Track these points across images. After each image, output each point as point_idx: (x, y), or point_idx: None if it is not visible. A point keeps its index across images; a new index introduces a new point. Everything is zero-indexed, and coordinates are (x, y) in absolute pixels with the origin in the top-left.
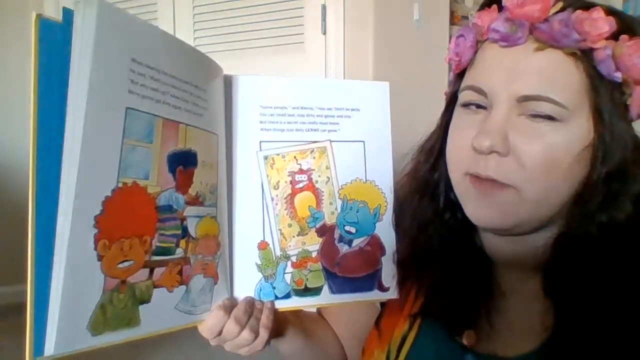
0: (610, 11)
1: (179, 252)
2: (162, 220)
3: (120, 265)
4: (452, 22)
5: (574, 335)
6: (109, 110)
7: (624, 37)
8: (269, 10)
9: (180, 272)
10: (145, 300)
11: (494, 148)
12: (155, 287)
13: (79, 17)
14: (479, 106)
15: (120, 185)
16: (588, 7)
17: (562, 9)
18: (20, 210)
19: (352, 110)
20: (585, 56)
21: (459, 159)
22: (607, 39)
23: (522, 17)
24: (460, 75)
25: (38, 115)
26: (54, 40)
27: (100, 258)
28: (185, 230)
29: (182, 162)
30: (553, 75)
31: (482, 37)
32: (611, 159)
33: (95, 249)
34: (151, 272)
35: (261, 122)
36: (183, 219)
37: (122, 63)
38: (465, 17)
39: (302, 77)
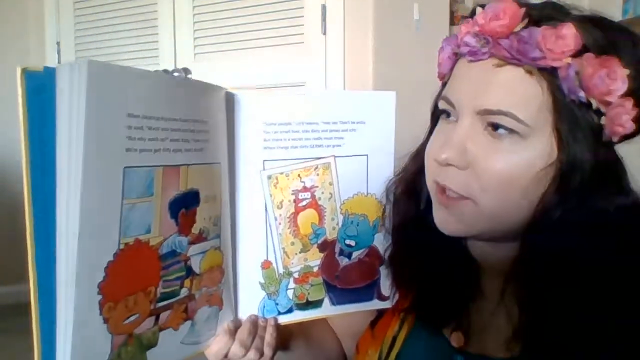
0: (583, 27)
1: (184, 292)
2: (166, 267)
3: (126, 321)
4: (452, 22)
5: (544, 344)
6: (106, 175)
7: (589, 55)
8: (269, 10)
9: (185, 310)
10: (152, 345)
11: (449, 161)
12: (161, 330)
13: (65, 80)
14: (450, 115)
15: (122, 247)
16: (560, 21)
17: (528, 25)
18: (21, 210)
19: (358, 123)
20: (549, 74)
21: (429, 166)
22: (574, 56)
23: (488, 33)
24: (445, 84)
25: (31, 174)
26: (42, 94)
27: (106, 321)
28: (189, 269)
29: (184, 205)
30: (514, 91)
31: (458, 49)
32: (567, 181)
33: (101, 313)
34: (157, 318)
35: (265, 140)
36: (187, 260)
37: (118, 122)
38: (466, 17)
39: (308, 90)
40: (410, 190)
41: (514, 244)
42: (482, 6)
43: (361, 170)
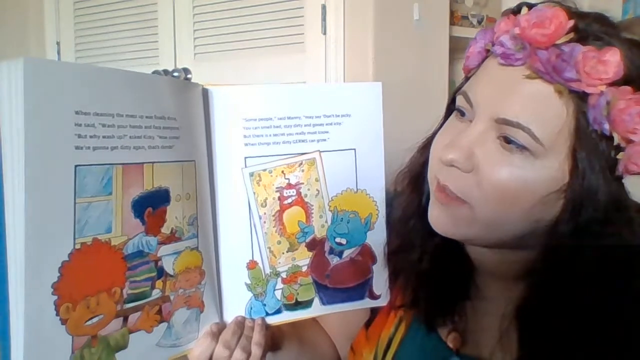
0: (629, 55)
1: (156, 293)
2: (132, 268)
3: (89, 323)
4: (452, 22)
5: None
6: (52, 174)
7: (626, 88)
8: (269, 10)
9: (159, 312)
10: (121, 347)
11: (454, 163)
12: (131, 332)
13: (4, 79)
14: (464, 114)
15: (77, 246)
16: (607, 43)
17: (572, 40)
18: None
19: (343, 116)
20: (578, 97)
21: (433, 162)
22: (610, 85)
23: (527, 39)
24: (468, 78)
25: None
26: None
27: (64, 322)
28: (161, 270)
29: (151, 204)
30: (538, 107)
31: (491, 46)
32: (579, 212)
33: (58, 314)
34: (125, 319)
35: (245, 136)
36: (157, 260)
37: (63, 120)
38: (465, 17)
39: (287, 85)
40: (415, 183)
41: (509, 251)
42: (529, 5)
43: (349, 165)
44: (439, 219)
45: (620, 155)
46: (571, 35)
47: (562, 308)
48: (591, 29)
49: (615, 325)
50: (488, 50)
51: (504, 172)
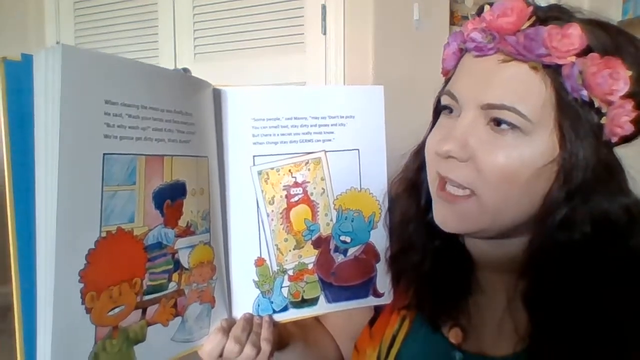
0: (589, 28)
1: (172, 286)
2: (152, 259)
3: (111, 313)
4: (452, 22)
5: (550, 344)
6: (84, 161)
7: (593, 55)
8: (269, 10)
9: (174, 305)
10: (139, 340)
11: (450, 153)
12: (149, 325)
13: (41, 65)
14: (452, 110)
15: (103, 235)
16: (566, 21)
17: (535, 23)
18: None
19: (347, 117)
20: (553, 71)
21: (430, 159)
22: (579, 55)
23: (495, 29)
24: (448, 80)
25: (12, 169)
26: (21, 82)
27: (88, 310)
28: (177, 263)
29: (169, 196)
30: (518, 87)
31: (463, 45)
32: (570, 179)
33: (83, 302)
34: (144, 311)
35: (254, 135)
36: (174, 253)
37: (94, 108)
38: (466, 17)
39: (294, 86)
40: (411, 187)
41: (511, 240)
42: (490, 5)
43: (353, 165)
44: (445, 217)
45: (604, 120)
46: (533, 19)
47: (563, 274)
48: (549, 14)
49: (616, 282)
50: (462, 50)
51: (501, 155)
